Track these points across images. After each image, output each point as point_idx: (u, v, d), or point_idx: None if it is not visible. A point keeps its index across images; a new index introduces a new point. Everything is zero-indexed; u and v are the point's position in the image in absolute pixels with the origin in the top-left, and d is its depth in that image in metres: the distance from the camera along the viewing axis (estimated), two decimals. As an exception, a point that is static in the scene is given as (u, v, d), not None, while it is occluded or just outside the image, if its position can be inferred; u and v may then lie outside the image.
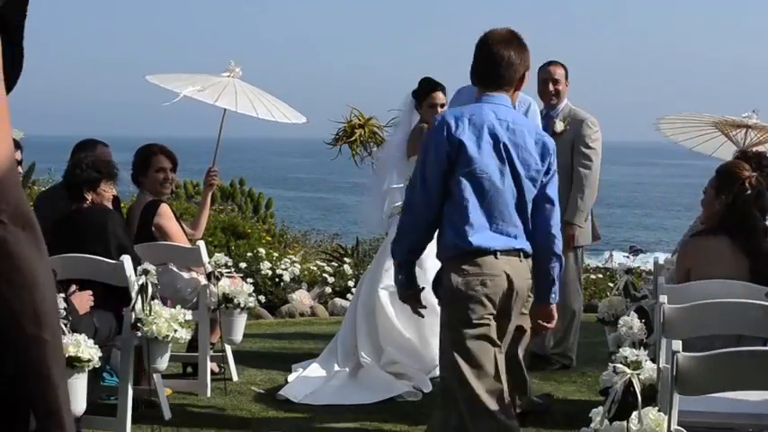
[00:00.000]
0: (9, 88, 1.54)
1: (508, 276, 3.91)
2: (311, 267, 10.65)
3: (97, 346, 4.25)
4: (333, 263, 11.00)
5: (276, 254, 10.95)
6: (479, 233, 3.90)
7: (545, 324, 4.17)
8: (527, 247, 3.98)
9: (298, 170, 75.91)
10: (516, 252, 3.95)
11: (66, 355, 4.04)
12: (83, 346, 4.12)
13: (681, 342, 3.16)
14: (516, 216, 3.95)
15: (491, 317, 3.91)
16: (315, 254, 12.72)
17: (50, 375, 1.53)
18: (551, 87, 6.82)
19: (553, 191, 4.04)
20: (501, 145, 3.92)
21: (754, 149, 5.99)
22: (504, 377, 3.93)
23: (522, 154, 3.94)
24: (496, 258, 3.91)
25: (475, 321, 3.89)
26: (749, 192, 4.71)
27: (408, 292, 4.20)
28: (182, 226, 6.36)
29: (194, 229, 6.68)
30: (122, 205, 6.78)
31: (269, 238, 13.01)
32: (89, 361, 4.14)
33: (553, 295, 4.10)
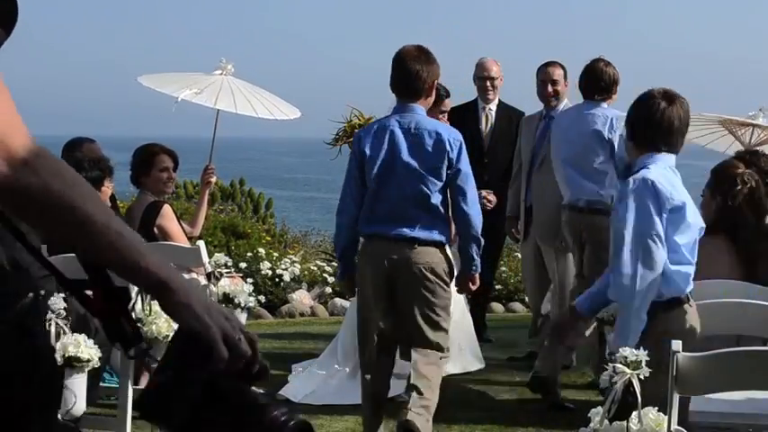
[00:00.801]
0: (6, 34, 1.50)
1: (392, 260, 4.62)
2: (311, 267, 10.64)
3: (97, 346, 4.25)
4: (333, 263, 10.99)
5: (276, 254, 10.94)
6: (370, 224, 4.70)
7: (467, 287, 4.91)
8: (425, 235, 4.63)
9: (297, 170, 75.85)
10: (410, 240, 4.61)
11: (66, 355, 4.05)
12: (83, 346, 4.12)
13: (681, 342, 3.16)
14: (415, 208, 4.63)
15: (373, 295, 4.69)
16: (315, 254, 12.71)
17: (112, 246, 1.50)
18: (550, 89, 6.82)
19: (462, 181, 4.65)
20: (398, 148, 4.64)
21: (755, 148, 5.96)
22: (378, 350, 4.75)
23: (422, 153, 4.62)
24: (384, 244, 4.65)
25: (359, 299, 4.83)
26: (739, 187, 4.68)
27: (342, 281, 5.28)
28: (182, 226, 6.37)
29: (193, 226, 6.69)
30: (121, 205, 6.78)
31: (269, 238, 13.01)
32: (89, 361, 4.14)
33: (474, 267, 4.77)
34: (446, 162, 4.64)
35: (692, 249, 3.96)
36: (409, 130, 4.66)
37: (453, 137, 4.69)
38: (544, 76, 6.86)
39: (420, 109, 4.74)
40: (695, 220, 3.98)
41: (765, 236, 4.74)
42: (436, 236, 4.65)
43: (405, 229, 4.62)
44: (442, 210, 4.68)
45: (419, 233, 4.63)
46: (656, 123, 3.93)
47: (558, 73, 6.87)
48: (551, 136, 6.35)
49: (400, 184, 4.65)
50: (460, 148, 4.67)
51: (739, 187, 4.68)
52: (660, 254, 3.79)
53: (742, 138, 6.20)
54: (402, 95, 4.77)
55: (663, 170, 3.90)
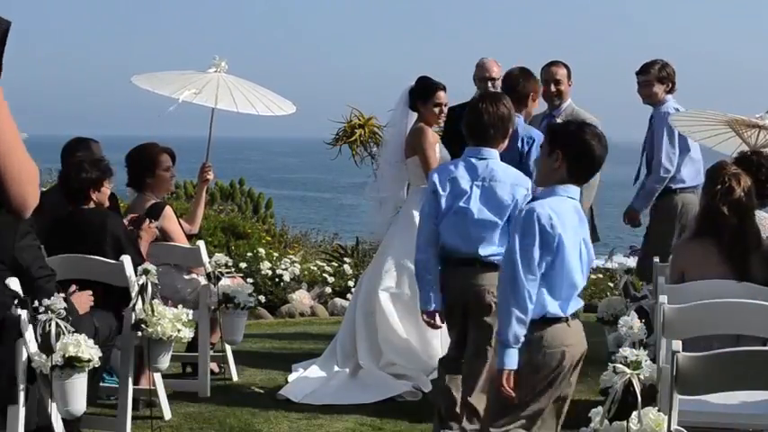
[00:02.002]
0: None
1: None
2: (311, 267, 10.63)
3: (97, 347, 4.24)
4: (333, 263, 10.99)
5: (276, 254, 10.94)
6: None
7: None
8: None
9: (297, 170, 75.85)
10: None
11: (66, 356, 4.04)
12: (83, 346, 4.11)
13: (681, 342, 3.16)
14: None
15: None
16: (315, 254, 12.71)
17: None
18: (553, 88, 6.82)
19: None
20: None
21: (760, 149, 5.91)
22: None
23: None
24: None
25: None
26: (718, 188, 4.62)
27: None
28: (181, 225, 6.38)
29: (191, 223, 6.68)
30: (122, 204, 6.77)
31: (269, 238, 13.00)
32: (89, 361, 4.13)
33: None
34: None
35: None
36: None
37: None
38: (547, 76, 6.86)
39: (517, 117, 5.49)
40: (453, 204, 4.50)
41: (752, 235, 4.66)
42: None
43: None
44: None
45: None
46: (467, 121, 4.56)
47: (561, 73, 6.87)
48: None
49: None
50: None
51: (718, 187, 4.63)
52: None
53: (749, 139, 6.13)
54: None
55: (458, 161, 4.53)
